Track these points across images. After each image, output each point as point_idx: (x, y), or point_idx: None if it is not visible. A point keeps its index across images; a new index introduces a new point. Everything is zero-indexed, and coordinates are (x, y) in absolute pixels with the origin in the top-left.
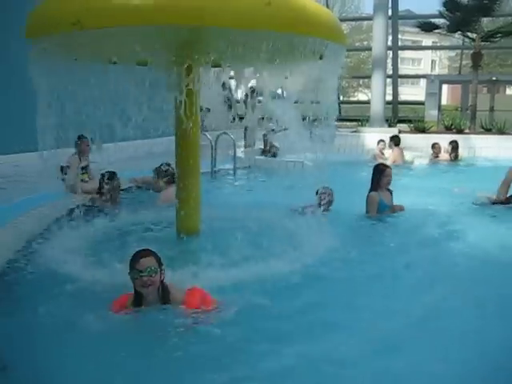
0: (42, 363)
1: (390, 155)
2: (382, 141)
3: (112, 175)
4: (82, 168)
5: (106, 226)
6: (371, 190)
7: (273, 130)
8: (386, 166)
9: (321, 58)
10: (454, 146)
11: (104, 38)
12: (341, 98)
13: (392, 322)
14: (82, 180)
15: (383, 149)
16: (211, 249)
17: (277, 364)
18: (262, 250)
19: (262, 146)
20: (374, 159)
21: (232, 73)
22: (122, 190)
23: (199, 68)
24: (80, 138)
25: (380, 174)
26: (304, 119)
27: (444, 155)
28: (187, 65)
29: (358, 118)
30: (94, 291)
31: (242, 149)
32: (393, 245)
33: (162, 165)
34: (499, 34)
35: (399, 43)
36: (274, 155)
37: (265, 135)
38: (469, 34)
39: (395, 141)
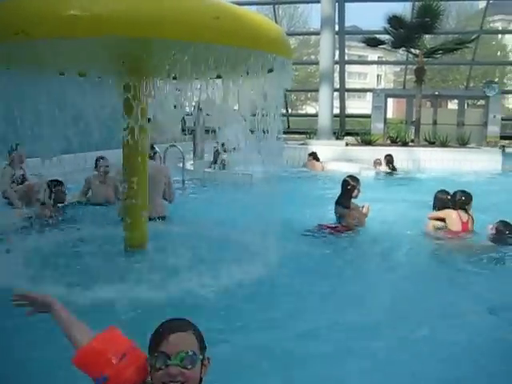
0: None
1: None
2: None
3: (57, 184)
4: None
5: (49, 240)
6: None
7: (223, 144)
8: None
9: (270, 71)
10: (389, 159)
11: (47, 48)
12: (289, 110)
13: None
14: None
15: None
16: (158, 263)
17: None
18: (208, 264)
19: (212, 159)
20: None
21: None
22: (68, 204)
23: (147, 80)
24: (13, 148)
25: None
26: (252, 132)
27: (384, 167)
28: (134, 77)
29: (306, 130)
30: None
31: (191, 161)
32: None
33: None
34: (440, 51)
35: (346, 58)
36: (223, 167)
37: (216, 149)
38: (412, 50)
39: (313, 156)
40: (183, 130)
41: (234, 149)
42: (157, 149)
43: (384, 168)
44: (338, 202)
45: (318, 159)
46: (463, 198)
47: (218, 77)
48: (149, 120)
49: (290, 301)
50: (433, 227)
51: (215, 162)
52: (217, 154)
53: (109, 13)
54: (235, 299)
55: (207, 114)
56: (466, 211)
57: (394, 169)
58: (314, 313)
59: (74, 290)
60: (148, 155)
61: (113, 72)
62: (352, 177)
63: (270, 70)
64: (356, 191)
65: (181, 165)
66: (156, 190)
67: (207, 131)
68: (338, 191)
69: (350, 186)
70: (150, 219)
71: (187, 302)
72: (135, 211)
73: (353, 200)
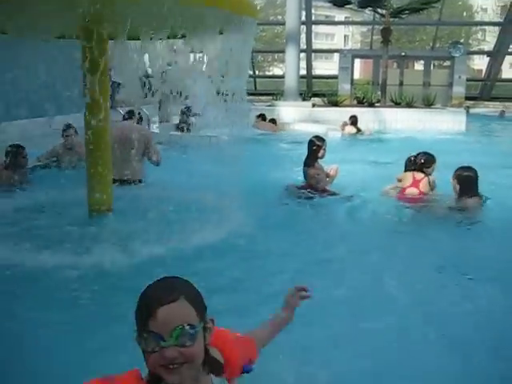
0: None
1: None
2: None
3: (18, 148)
4: None
5: (10, 204)
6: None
7: (188, 107)
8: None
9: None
10: (353, 120)
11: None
12: (256, 72)
13: None
14: None
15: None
16: (124, 226)
17: None
18: (175, 227)
19: (178, 122)
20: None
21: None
22: (32, 168)
23: (107, 41)
24: None
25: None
26: (218, 93)
27: (350, 128)
28: (95, 37)
29: (273, 92)
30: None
31: (157, 124)
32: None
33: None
34: (406, 11)
35: (313, 18)
36: (188, 130)
37: (183, 112)
38: (379, 9)
39: (262, 117)
40: (149, 92)
41: (198, 114)
42: (121, 112)
43: (350, 129)
44: (304, 163)
45: (265, 119)
46: (422, 161)
47: (183, 36)
48: (118, 84)
49: (256, 261)
50: (388, 188)
51: (181, 123)
52: (183, 116)
53: None
54: (201, 262)
55: (174, 76)
56: (424, 172)
57: (358, 130)
58: (281, 273)
59: (32, 253)
60: (123, 117)
61: (73, 33)
62: (318, 137)
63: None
64: (322, 151)
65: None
66: (127, 151)
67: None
68: (303, 152)
69: (315, 146)
70: (124, 182)
71: (150, 266)
72: (98, 174)
73: (320, 161)
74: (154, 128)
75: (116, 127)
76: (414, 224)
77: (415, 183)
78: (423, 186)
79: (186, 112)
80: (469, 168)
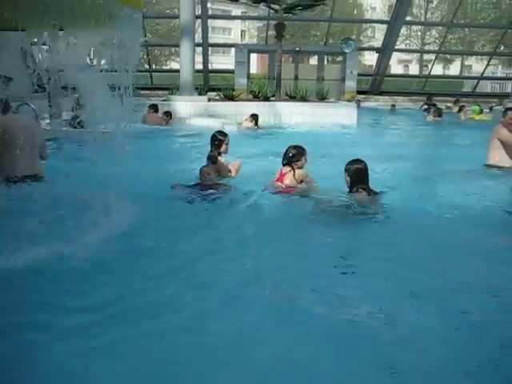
0: None
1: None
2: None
3: None
4: None
5: None
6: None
7: (78, 101)
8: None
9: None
10: (255, 118)
11: None
12: (153, 66)
13: None
14: None
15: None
16: (7, 228)
17: None
18: (60, 227)
19: (70, 117)
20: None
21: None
22: None
23: None
24: None
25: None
26: (111, 88)
27: (247, 123)
28: None
29: (170, 86)
30: None
31: (48, 120)
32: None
33: None
34: (299, 7)
35: (209, 12)
36: (81, 125)
37: (74, 107)
38: (272, 5)
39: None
40: (39, 87)
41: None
42: (33, 106)
43: (246, 123)
44: (208, 158)
45: (157, 111)
46: (290, 154)
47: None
48: (9, 79)
49: (142, 262)
50: (270, 182)
51: (73, 119)
52: (75, 111)
53: None
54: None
55: (61, 71)
56: (291, 165)
57: (256, 124)
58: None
59: None
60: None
61: None
62: (220, 132)
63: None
64: (224, 146)
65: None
66: (13, 145)
67: (64, 88)
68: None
69: (217, 140)
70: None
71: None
72: None
73: (224, 155)
74: (45, 124)
75: (8, 119)
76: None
77: (280, 177)
78: (288, 179)
79: (77, 106)
80: (358, 160)
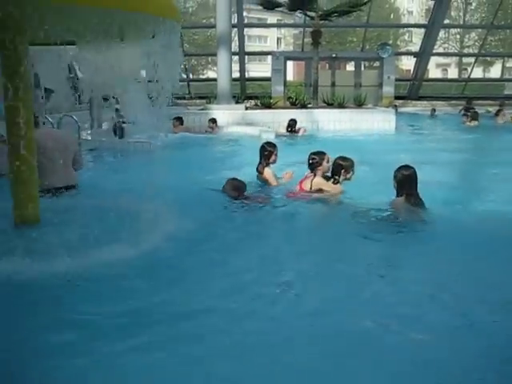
0: None
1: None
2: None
3: None
4: None
5: None
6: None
7: (117, 110)
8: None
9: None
10: (291, 123)
11: None
12: (190, 75)
13: None
14: None
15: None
16: (52, 238)
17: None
18: (106, 237)
19: (111, 127)
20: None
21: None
22: None
23: (26, 47)
24: None
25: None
26: (151, 98)
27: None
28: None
29: (207, 95)
30: None
31: (89, 131)
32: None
33: None
34: (335, 13)
35: (245, 21)
36: (122, 135)
37: (114, 117)
38: (308, 12)
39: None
40: (80, 99)
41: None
42: (50, 119)
43: (283, 131)
44: (257, 169)
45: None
46: (310, 161)
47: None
48: (50, 91)
49: (187, 270)
50: None
51: (114, 130)
52: (116, 122)
53: None
54: (132, 273)
55: (103, 83)
56: (313, 171)
57: (294, 131)
58: (216, 283)
59: None
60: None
61: None
62: (269, 143)
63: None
64: (273, 157)
65: (77, 135)
66: (59, 158)
67: (105, 99)
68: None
69: (266, 151)
70: (57, 190)
71: (79, 279)
72: (24, 184)
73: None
74: (85, 134)
75: (41, 133)
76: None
77: (302, 180)
78: (306, 184)
79: (117, 117)
80: (406, 167)
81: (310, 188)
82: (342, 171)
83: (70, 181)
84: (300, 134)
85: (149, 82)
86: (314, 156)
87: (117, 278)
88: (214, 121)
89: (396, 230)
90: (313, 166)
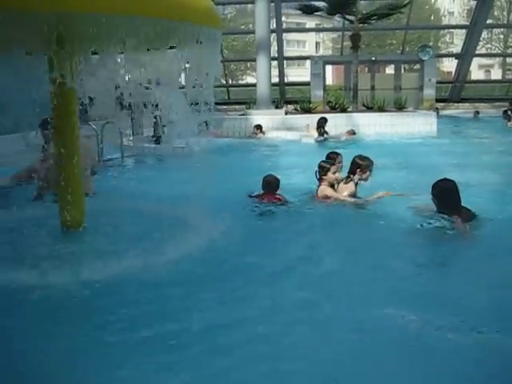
0: None
1: None
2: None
3: None
4: None
5: None
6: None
7: (155, 117)
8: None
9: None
10: (321, 122)
11: None
12: (229, 81)
13: None
14: None
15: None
16: (97, 242)
17: None
18: (149, 241)
19: (152, 133)
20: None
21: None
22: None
23: (75, 56)
24: None
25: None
26: (191, 104)
27: (311, 131)
28: (60, 53)
29: (247, 100)
30: None
31: (130, 137)
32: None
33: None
34: (375, 16)
35: (283, 26)
36: (157, 141)
37: (155, 123)
38: (347, 16)
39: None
40: (121, 105)
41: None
42: (93, 126)
43: (312, 132)
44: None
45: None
46: (317, 169)
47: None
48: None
49: (229, 272)
50: None
51: (154, 136)
52: (156, 128)
53: None
54: (175, 277)
55: (146, 88)
56: (321, 180)
57: (325, 132)
58: (259, 289)
59: (7, 272)
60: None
61: (39, 48)
62: (333, 152)
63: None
64: (337, 164)
65: (119, 141)
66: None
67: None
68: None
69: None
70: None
71: (128, 281)
72: (70, 189)
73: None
74: (127, 141)
75: None
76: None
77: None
78: (319, 191)
79: (158, 123)
80: (445, 180)
81: (318, 195)
82: (358, 170)
83: (88, 190)
84: (344, 138)
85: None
86: (321, 164)
87: (158, 281)
88: (258, 127)
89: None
90: (319, 175)
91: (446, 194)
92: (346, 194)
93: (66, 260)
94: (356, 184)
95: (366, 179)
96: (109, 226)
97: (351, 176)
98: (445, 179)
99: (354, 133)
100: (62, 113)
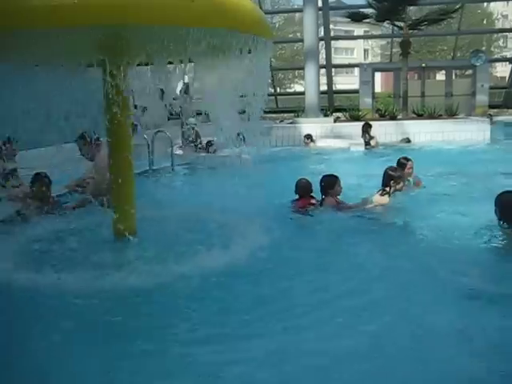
0: None
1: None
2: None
3: (41, 174)
4: (10, 172)
5: (37, 232)
6: None
7: (193, 127)
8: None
9: (248, 51)
10: (365, 128)
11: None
12: (277, 89)
13: None
14: (12, 186)
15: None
16: (149, 248)
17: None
18: (202, 247)
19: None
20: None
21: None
22: (58, 196)
23: (128, 66)
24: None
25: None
26: (241, 113)
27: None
28: (114, 64)
29: (295, 109)
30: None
31: (181, 145)
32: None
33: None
34: (425, 22)
35: (331, 33)
36: (211, 150)
37: (196, 131)
38: (397, 22)
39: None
40: (171, 115)
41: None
42: (145, 135)
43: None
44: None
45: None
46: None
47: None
48: (144, 108)
49: (282, 281)
50: None
51: (206, 145)
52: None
53: (84, 2)
54: (228, 283)
55: (196, 98)
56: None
57: (370, 138)
58: (308, 294)
59: (66, 278)
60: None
61: (91, 60)
62: (404, 157)
63: (249, 52)
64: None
65: (169, 150)
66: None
67: (198, 115)
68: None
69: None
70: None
71: (183, 287)
72: (123, 198)
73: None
74: (177, 150)
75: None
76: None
77: None
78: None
79: (198, 133)
80: (510, 192)
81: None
82: (392, 182)
83: None
84: (398, 146)
85: (240, 96)
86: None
87: (209, 287)
88: (309, 136)
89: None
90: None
91: (508, 206)
92: (380, 205)
93: (123, 267)
94: (390, 196)
95: (400, 190)
96: (160, 235)
97: (386, 189)
98: (510, 191)
99: (408, 141)
100: (116, 122)
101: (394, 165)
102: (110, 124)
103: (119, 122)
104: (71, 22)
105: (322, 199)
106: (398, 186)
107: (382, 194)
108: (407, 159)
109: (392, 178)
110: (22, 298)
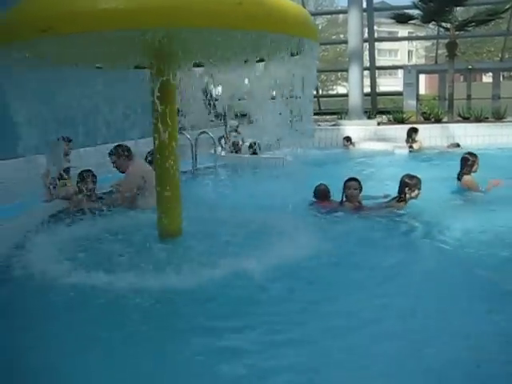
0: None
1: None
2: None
3: (87, 173)
4: (64, 171)
5: (81, 230)
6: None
7: (236, 129)
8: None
9: (294, 54)
10: (409, 132)
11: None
12: (320, 91)
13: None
14: (65, 185)
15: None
16: (195, 248)
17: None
18: (249, 248)
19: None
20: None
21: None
22: (104, 193)
23: (174, 69)
24: (60, 138)
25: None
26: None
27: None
28: (161, 67)
29: (338, 111)
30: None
31: (224, 146)
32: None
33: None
34: (473, 23)
35: (375, 35)
36: (234, 150)
37: (230, 132)
38: (443, 23)
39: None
40: (215, 116)
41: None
42: (188, 136)
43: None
44: (459, 178)
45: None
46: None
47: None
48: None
49: (326, 285)
50: None
51: (249, 147)
52: (232, 136)
53: (136, 6)
54: (272, 284)
55: (239, 99)
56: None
57: (413, 141)
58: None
59: (110, 278)
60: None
61: (140, 63)
62: (471, 153)
63: (294, 54)
64: (476, 166)
65: (212, 151)
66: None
67: (242, 115)
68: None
69: (469, 161)
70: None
71: (228, 288)
72: (168, 198)
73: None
74: (220, 151)
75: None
76: None
77: None
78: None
79: (229, 134)
80: None
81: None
82: (407, 189)
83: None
84: (445, 150)
85: (287, 98)
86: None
87: (253, 289)
88: (348, 139)
89: None
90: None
91: None
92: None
93: (158, 267)
94: (406, 203)
95: (415, 197)
96: (206, 235)
97: (402, 196)
98: None
99: (458, 145)
100: (165, 126)
101: (450, 168)
102: (157, 123)
103: (167, 123)
104: (122, 25)
105: (341, 201)
106: (413, 194)
107: (398, 201)
108: (473, 155)
109: (407, 186)
110: (76, 296)
